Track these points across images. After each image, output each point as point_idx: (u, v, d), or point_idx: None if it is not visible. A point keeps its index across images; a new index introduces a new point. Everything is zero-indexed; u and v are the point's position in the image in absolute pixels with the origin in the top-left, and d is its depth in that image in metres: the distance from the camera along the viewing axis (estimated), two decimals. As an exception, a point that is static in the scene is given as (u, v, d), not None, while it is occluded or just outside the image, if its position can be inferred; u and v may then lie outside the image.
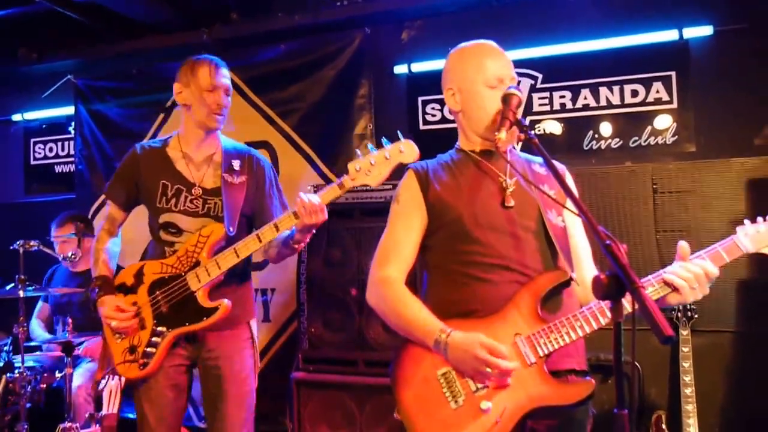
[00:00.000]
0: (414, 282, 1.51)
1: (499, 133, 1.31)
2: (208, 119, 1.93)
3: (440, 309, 1.38)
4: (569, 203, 1.32)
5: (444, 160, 1.55)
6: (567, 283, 1.38)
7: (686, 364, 2.44)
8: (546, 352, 1.31)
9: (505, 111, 1.35)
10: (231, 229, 1.86)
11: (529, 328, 1.33)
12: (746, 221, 1.35)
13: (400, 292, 1.43)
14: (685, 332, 2.47)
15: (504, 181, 1.45)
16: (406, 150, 1.63)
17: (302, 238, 1.81)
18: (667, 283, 1.29)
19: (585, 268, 1.49)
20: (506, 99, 1.38)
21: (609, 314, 1.28)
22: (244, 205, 1.92)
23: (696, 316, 2.50)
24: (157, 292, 1.87)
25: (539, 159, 1.51)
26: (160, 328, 1.86)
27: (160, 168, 1.95)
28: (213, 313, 1.82)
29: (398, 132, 1.66)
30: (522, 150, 1.59)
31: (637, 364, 2.71)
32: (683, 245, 1.31)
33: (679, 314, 2.53)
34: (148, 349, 1.86)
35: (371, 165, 1.65)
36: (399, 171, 2.90)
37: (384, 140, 1.65)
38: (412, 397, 1.36)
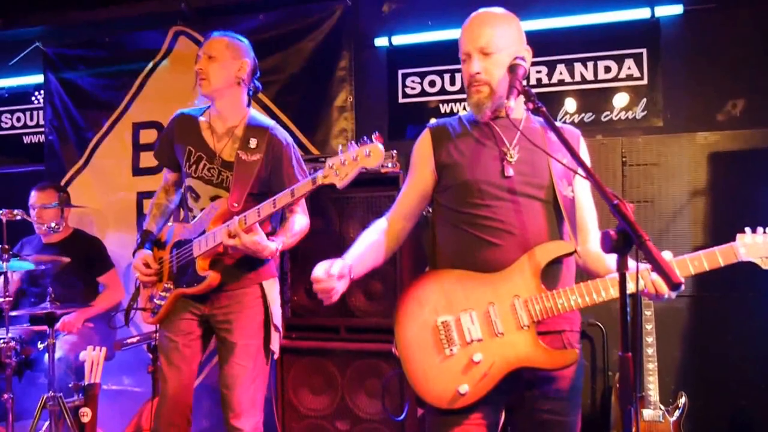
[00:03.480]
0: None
1: (508, 101, 1.35)
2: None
3: (448, 261, 1.48)
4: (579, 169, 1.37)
5: (462, 122, 1.57)
6: (570, 254, 1.43)
7: (649, 327, 2.58)
8: (539, 318, 1.37)
9: (512, 80, 1.39)
10: (235, 204, 1.91)
11: (528, 292, 1.38)
12: (747, 230, 1.40)
13: (368, 229, 1.58)
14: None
15: (508, 151, 1.47)
16: (372, 154, 1.57)
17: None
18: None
19: (591, 238, 1.52)
20: (513, 69, 1.42)
21: (605, 293, 1.35)
22: (256, 184, 1.95)
23: (657, 282, 2.67)
24: (175, 252, 2.02)
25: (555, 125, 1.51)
26: (168, 285, 2.03)
27: (188, 134, 2.06)
28: (202, 281, 1.94)
29: (375, 132, 1.61)
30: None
31: (601, 326, 2.89)
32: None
33: (643, 281, 2.68)
34: (157, 302, 2.05)
35: (341, 165, 1.62)
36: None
37: (365, 138, 1.61)
38: (410, 337, 1.44)
